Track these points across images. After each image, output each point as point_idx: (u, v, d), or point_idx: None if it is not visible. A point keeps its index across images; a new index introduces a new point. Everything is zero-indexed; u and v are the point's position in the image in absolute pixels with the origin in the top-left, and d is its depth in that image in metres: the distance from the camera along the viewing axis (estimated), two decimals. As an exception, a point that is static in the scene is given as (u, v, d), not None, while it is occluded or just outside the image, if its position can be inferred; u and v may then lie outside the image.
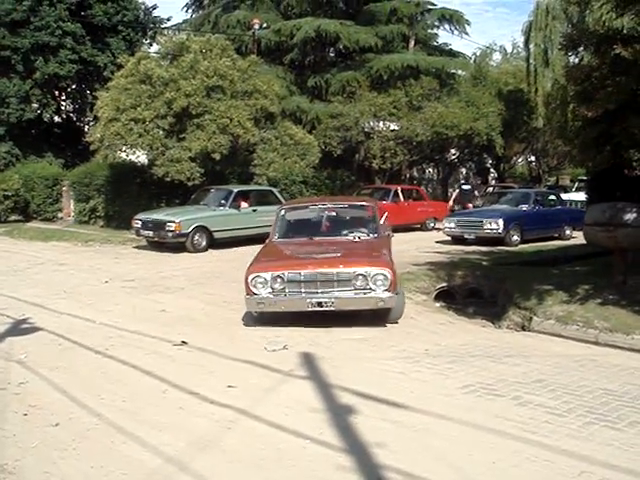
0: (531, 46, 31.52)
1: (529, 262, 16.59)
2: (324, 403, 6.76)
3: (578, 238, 20.39)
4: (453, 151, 37.65)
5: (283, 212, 12.25)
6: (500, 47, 49.57)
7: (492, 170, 43.59)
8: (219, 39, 25.91)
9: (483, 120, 31.75)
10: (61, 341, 9.27)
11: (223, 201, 21.01)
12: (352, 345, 9.11)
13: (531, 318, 11.05)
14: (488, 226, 21.00)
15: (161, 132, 23.17)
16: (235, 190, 21.53)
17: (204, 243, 19.97)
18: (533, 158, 44.90)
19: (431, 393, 7.12)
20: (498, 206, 23.09)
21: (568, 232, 22.73)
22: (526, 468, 5.34)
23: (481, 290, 14.10)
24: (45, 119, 32.77)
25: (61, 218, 28.61)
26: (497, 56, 49.15)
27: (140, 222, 20.39)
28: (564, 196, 28.03)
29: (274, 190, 22.90)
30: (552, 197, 24.79)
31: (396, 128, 31.38)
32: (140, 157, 26.41)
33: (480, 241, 20.82)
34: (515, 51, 47.58)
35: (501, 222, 20.78)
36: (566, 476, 5.21)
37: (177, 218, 19.51)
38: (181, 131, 23.45)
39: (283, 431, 6.04)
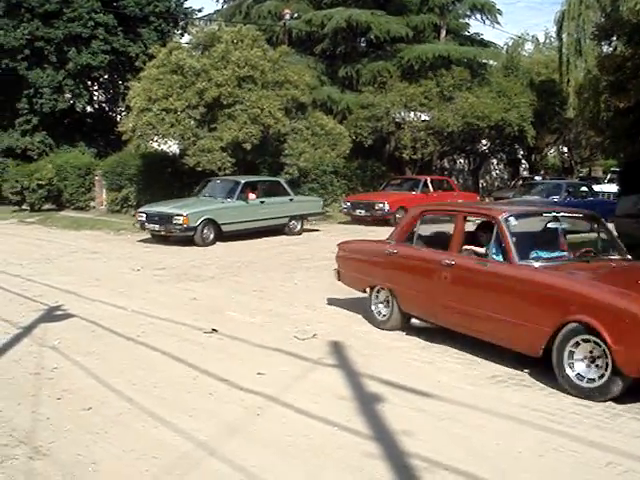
0: (564, 36, 31.32)
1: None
2: (352, 391, 6.83)
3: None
4: (484, 142, 37.53)
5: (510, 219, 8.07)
6: (532, 37, 49.30)
7: (523, 161, 43.35)
8: (250, 29, 25.98)
9: (514, 110, 31.61)
10: (94, 328, 9.42)
11: (230, 193, 20.33)
12: (380, 334, 9.15)
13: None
14: None
15: (192, 122, 23.34)
16: (243, 181, 20.82)
17: (212, 236, 19.19)
18: (565, 149, 44.61)
19: (458, 383, 7.15)
20: (529, 197, 22.81)
21: None
22: (552, 458, 5.36)
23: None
24: (78, 109, 33.07)
25: (93, 207, 28.92)
26: (529, 46, 48.88)
27: (145, 215, 19.65)
28: (596, 188, 27.84)
29: (281, 181, 22.63)
30: (584, 188, 24.63)
31: (427, 118, 31.30)
32: (172, 147, 26.64)
33: None
34: (547, 41, 47.33)
35: None
36: (592, 467, 5.22)
37: (184, 211, 18.80)
38: (212, 121, 23.60)
39: (311, 418, 6.12)
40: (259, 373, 7.40)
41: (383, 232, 21.42)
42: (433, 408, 6.38)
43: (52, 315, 10.15)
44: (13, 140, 31.49)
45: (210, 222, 19.11)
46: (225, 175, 22.67)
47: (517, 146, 39.96)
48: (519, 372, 7.44)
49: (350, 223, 24.77)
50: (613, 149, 14.83)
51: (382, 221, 23.77)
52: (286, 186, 22.11)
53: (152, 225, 19.34)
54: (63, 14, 30.15)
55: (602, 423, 6.05)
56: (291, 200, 21.73)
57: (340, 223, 25.17)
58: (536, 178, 32.01)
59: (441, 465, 5.18)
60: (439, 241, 9.02)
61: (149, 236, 19.99)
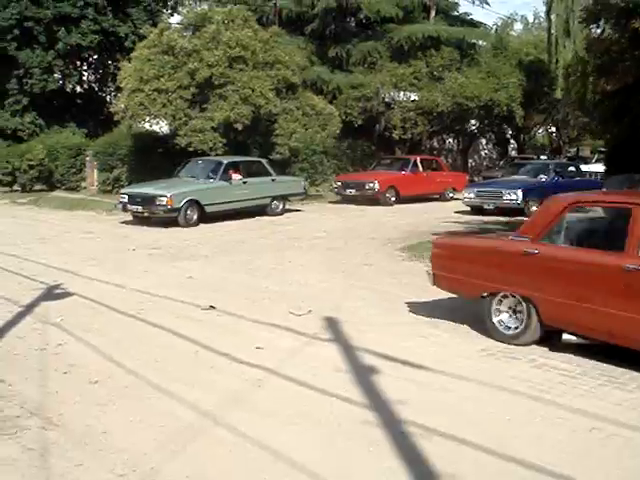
0: (552, 16, 31.42)
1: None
2: (348, 364, 7.09)
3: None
4: (473, 122, 37.77)
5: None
6: (522, 17, 49.17)
7: (512, 141, 43.60)
8: (241, 10, 26.10)
9: (503, 91, 31.88)
10: (94, 305, 9.64)
11: (213, 173, 20.35)
12: (374, 310, 9.41)
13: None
14: (507, 197, 21.21)
15: (184, 102, 23.48)
16: (225, 161, 20.85)
17: (195, 217, 19.07)
18: (554, 129, 44.85)
19: (451, 356, 7.43)
20: (517, 177, 23.27)
21: None
22: (539, 424, 5.64)
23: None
24: (68, 89, 33.22)
25: (84, 188, 29.00)
26: (518, 26, 48.99)
27: (127, 197, 19.59)
28: (584, 167, 28.10)
29: (263, 161, 22.53)
30: (571, 168, 24.89)
31: (416, 98, 31.57)
32: (163, 127, 26.77)
33: (499, 211, 20.99)
34: (537, 21, 47.44)
35: (520, 193, 20.97)
36: (577, 432, 5.51)
37: (168, 192, 18.66)
38: (204, 101, 23.76)
39: (310, 389, 6.37)
40: (257, 347, 7.65)
41: (374, 211, 21.87)
42: (426, 379, 6.66)
43: (52, 294, 10.35)
44: (3, 121, 31.56)
45: (193, 203, 19.02)
46: (217, 155, 22.82)
47: (506, 126, 40.19)
48: (509, 346, 7.71)
49: (340, 202, 25.02)
50: (600, 130, 15.07)
51: (372, 200, 24.07)
52: (268, 166, 22.13)
53: (134, 206, 19.25)
54: (52, -6, 30.14)
55: (587, 393, 6.33)
56: (273, 180, 21.76)
57: (330, 202, 25.43)
58: (542, 157, 32.28)
59: (435, 432, 5.45)
60: (600, 239, 7.69)
61: (131, 218, 20.01)
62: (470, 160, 41.66)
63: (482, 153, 45.32)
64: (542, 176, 22.60)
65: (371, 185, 24.31)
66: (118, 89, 27.32)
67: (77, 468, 4.94)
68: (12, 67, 30.82)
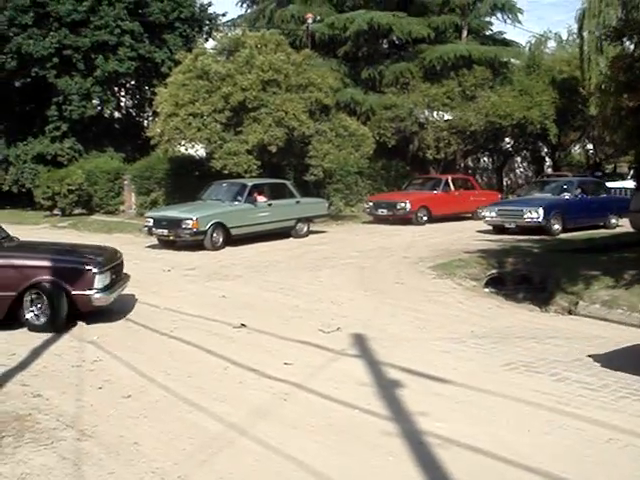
0: (584, 33, 31.37)
1: (579, 249, 16.79)
2: (372, 378, 7.28)
3: (625, 226, 20.50)
4: (507, 140, 37.70)
5: None
6: (555, 34, 48.88)
7: (547, 159, 43.45)
8: (274, 34, 26.48)
9: (536, 109, 31.81)
10: (129, 324, 9.95)
11: (238, 195, 20.07)
12: (402, 327, 9.58)
13: (577, 302, 11.41)
14: (528, 215, 20.76)
15: (219, 126, 23.80)
16: (250, 184, 20.58)
17: (221, 240, 18.77)
18: (590, 146, 44.62)
19: (474, 370, 7.58)
20: (540, 194, 22.96)
21: (614, 221, 22.37)
22: (557, 435, 5.79)
23: (531, 276, 14.39)
24: (106, 115, 33.80)
25: (123, 211, 29.52)
26: (552, 44, 48.83)
27: (152, 220, 19.29)
28: (620, 184, 28.02)
29: (288, 183, 22.46)
30: (597, 185, 24.54)
31: (450, 118, 31.64)
32: (199, 150, 27.17)
33: (522, 230, 20.73)
34: (570, 38, 47.18)
35: (541, 211, 20.50)
36: (594, 442, 5.64)
37: (194, 215, 18.42)
38: (238, 124, 24.08)
39: (334, 402, 6.58)
40: (286, 363, 7.86)
41: (406, 231, 21.96)
42: (449, 392, 6.82)
43: (89, 314, 10.65)
44: (43, 147, 32.17)
45: (219, 225, 18.79)
46: (251, 177, 23.12)
47: (540, 144, 40.07)
48: (532, 360, 7.84)
49: (373, 223, 25.19)
50: (625, 147, 15.11)
51: (404, 220, 24.14)
52: (292, 188, 22.04)
53: (160, 230, 19.01)
54: (90, 22, 30.82)
55: (607, 405, 6.45)
56: (297, 202, 21.61)
57: (364, 223, 25.58)
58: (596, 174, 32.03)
59: (454, 442, 5.62)
60: None
61: (157, 242, 19.71)
62: (505, 178, 41.60)
63: (517, 171, 45.19)
64: (565, 194, 22.25)
65: (403, 205, 24.30)
66: (155, 114, 27.82)
67: (109, 476, 5.20)
68: (52, 94, 31.50)
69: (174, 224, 18.62)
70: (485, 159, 41.55)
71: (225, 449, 5.65)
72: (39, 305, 9.48)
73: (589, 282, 12.01)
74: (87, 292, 9.55)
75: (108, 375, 7.62)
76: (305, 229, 21.66)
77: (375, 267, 15.18)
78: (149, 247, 19.47)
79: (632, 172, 32.95)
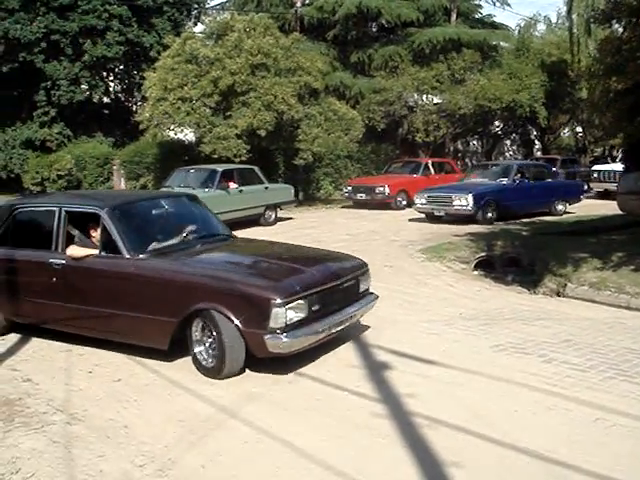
0: (574, 16, 31.42)
1: (568, 232, 16.83)
2: (361, 360, 7.33)
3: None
4: (497, 123, 37.83)
5: None
6: (545, 17, 48.78)
7: (536, 142, 43.55)
8: (262, 18, 26.40)
9: (526, 92, 31.94)
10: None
11: (209, 182, 19.27)
12: (391, 310, 9.60)
13: (566, 284, 11.43)
14: (457, 202, 19.42)
15: (208, 110, 23.79)
16: (220, 169, 19.82)
17: None
18: (579, 129, 44.71)
19: (462, 351, 7.62)
20: (474, 180, 21.58)
21: (560, 207, 21.47)
22: (544, 415, 5.84)
23: (520, 259, 14.42)
24: (94, 100, 33.59)
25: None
26: (542, 27, 48.79)
27: None
28: (608, 166, 28.03)
29: (255, 168, 21.54)
30: (541, 169, 23.13)
31: (439, 101, 31.67)
32: (188, 135, 27.15)
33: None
34: (560, 21, 47.17)
35: (470, 198, 19.12)
36: (581, 422, 5.69)
37: None
38: (227, 109, 24.05)
39: (323, 384, 6.62)
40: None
41: (385, 216, 21.74)
42: (437, 374, 6.86)
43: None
44: (32, 132, 32.00)
45: None
46: (241, 162, 23.09)
47: (530, 127, 40.20)
48: (520, 342, 7.89)
49: (352, 207, 25.10)
50: (613, 129, 15.16)
51: (383, 204, 23.96)
52: (260, 173, 21.34)
53: None
54: (78, 7, 30.57)
55: (594, 385, 6.49)
56: (266, 188, 21.07)
57: (343, 207, 25.53)
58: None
59: (442, 423, 5.66)
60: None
61: None
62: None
63: (507, 154, 45.34)
64: (503, 179, 20.81)
65: (382, 189, 24.04)
66: (143, 98, 27.75)
67: (99, 459, 5.23)
68: (40, 79, 31.28)
69: None
70: (474, 142, 41.67)
71: (215, 432, 5.68)
72: (209, 340, 7.05)
73: (577, 264, 12.04)
74: (259, 331, 6.71)
75: (98, 359, 7.64)
76: (273, 216, 21.05)
77: (366, 250, 15.19)
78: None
79: (620, 155, 33.02)
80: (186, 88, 23.32)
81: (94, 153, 29.85)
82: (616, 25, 13.42)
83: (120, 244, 7.50)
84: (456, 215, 19.70)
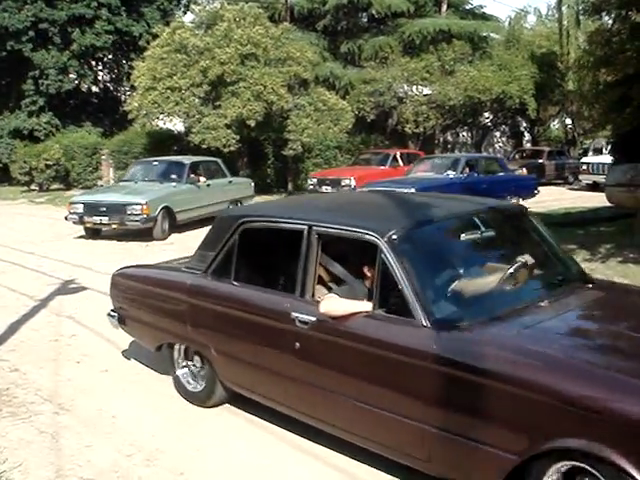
0: (564, 8, 31.52)
1: (557, 223, 16.81)
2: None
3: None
4: (486, 115, 37.84)
5: None
6: (535, 9, 49.06)
7: (526, 133, 43.64)
8: (252, 7, 26.27)
9: (515, 83, 31.95)
10: (108, 299, 9.88)
11: (176, 175, 17.56)
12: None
13: (554, 276, 11.46)
14: None
15: (197, 100, 23.76)
16: (188, 162, 18.28)
17: (167, 227, 16.32)
18: (569, 121, 44.84)
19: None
20: (421, 174, 19.99)
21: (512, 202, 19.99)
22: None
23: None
24: (83, 89, 33.57)
25: (101, 186, 29.33)
26: (532, 18, 48.95)
27: (82, 205, 16.24)
28: (597, 158, 28.03)
29: (219, 161, 20.12)
30: (492, 162, 22.24)
31: (429, 92, 31.62)
32: (177, 125, 27.11)
33: None
34: (550, 13, 47.31)
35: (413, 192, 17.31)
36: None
37: (143, 198, 15.71)
38: (216, 99, 24.00)
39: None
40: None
41: None
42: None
43: (67, 288, 10.66)
44: (20, 121, 31.86)
45: (166, 210, 16.20)
46: (230, 152, 23.05)
47: (519, 118, 40.26)
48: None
49: None
50: (602, 121, 15.20)
51: None
52: (223, 166, 19.91)
53: (95, 217, 15.93)
54: (66, -5, 30.50)
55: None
56: (230, 182, 19.73)
57: None
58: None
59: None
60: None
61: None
62: (484, 153, 41.69)
63: (496, 146, 45.38)
64: (449, 172, 19.42)
65: (347, 182, 22.49)
66: (132, 88, 27.64)
67: (87, 449, 5.24)
68: (28, 68, 31.13)
69: (116, 210, 15.76)
70: (464, 134, 41.66)
71: (204, 421, 5.71)
72: None
73: (566, 256, 12.09)
74: None
75: (86, 350, 7.65)
76: None
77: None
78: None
79: (609, 147, 33.10)
80: (175, 78, 23.26)
81: (82, 143, 29.76)
82: (606, 17, 13.45)
83: (411, 300, 4.35)
84: None
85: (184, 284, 5.96)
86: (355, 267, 5.21)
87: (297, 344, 4.88)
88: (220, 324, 5.65)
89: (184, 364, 6.22)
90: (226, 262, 5.69)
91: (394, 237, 4.54)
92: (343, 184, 22.64)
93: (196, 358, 6.06)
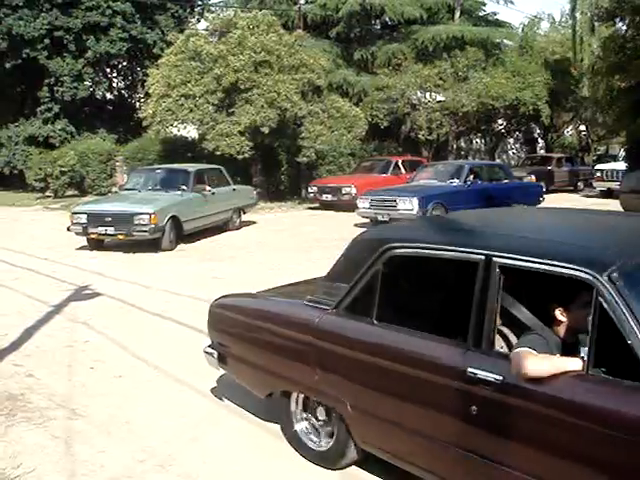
0: (577, 14, 31.27)
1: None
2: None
3: None
4: (500, 121, 37.84)
5: None
6: (548, 15, 48.91)
7: (540, 140, 43.54)
8: (266, 15, 26.41)
9: (529, 90, 31.91)
10: (121, 305, 9.97)
11: (182, 184, 16.87)
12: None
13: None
14: (402, 206, 17.48)
15: (211, 107, 23.86)
16: (193, 170, 17.77)
17: (174, 237, 15.81)
18: (583, 127, 44.70)
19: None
20: (424, 182, 19.49)
21: None
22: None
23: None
24: (98, 96, 33.79)
25: (115, 192, 29.43)
26: (545, 25, 48.79)
27: (86, 215, 15.52)
28: (610, 165, 27.88)
29: (222, 169, 19.59)
30: (497, 170, 21.79)
31: (442, 99, 31.65)
32: (191, 132, 27.22)
33: None
34: (563, 19, 47.17)
35: (416, 202, 17.28)
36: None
37: (150, 208, 15.13)
38: (230, 106, 24.11)
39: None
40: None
41: (351, 218, 20.68)
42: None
43: (81, 294, 10.70)
44: (35, 128, 32.11)
45: (174, 220, 15.72)
46: (244, 159, 23.12)
47: (533, 125, 40.21)
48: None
49: (319, 209, 23.88)
50: (616, 127, 15.16)
51: (351, 206, 20.56)
52: (226, 174, 19.43)
53: (100, 228, 15.29)
54: (81, 3, 30.71)
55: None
56: (234, 190, 19.28)
57: (309, 209, 24.32)
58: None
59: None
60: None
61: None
62: (498, 160, 41.65)
63: (510, 153, 45.34)
64: (454, 180, 18.90)
65: (348, 190, 22.41)
66: (147, 95, 27.78)
67: (100, 454, 5.25)
68: (43, 76, 31.40)
69: (124, 220, 15.11)
70: (478, 140, 41.68)
71: (216, 427, 5.71)
72: None
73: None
74: None
75: (100, 355, 7.66)
76: (238, 221, 19.21)
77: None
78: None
79: (623, 153, 32.98)
80: (189, 85, 23.43)
81: (97, 149, 29.90)
82: (619, 23, 13.48)
83: None
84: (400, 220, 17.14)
85: (310, 322, 4.86)
86: (536, 306, 4.11)
87: (474, 408, 3.76)
88: (359, 375, 4.53)
89: (303, 416, 5.22)
90: (366, 297, 4.56)
91: (619, 273, 3.40)
92: (344, 192, 22.65)
93: (319, 410, 5.02)
